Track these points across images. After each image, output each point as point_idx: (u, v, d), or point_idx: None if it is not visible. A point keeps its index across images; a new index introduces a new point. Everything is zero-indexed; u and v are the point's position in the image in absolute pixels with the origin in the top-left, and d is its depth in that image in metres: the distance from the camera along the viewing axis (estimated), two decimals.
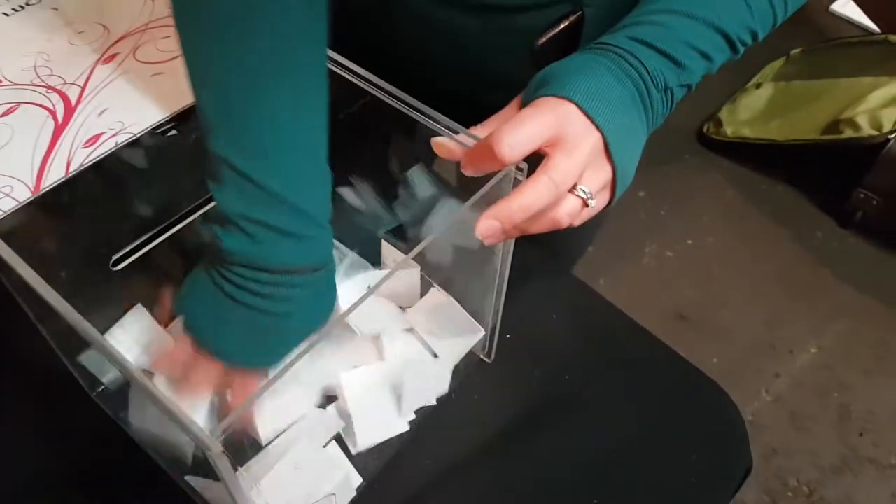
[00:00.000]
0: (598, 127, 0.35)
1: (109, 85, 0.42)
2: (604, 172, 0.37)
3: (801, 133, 1.72)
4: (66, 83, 0.43)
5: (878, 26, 2.09)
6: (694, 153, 1.84)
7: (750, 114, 1.86)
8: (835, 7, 2.24)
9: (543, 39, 0.48)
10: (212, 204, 0.49)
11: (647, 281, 1.55)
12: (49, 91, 0.42)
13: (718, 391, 0.54)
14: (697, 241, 1.65)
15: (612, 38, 0.39)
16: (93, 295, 0.47)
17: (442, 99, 0.56)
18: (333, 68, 0.43)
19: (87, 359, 0.49)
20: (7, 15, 0.51)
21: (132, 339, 0.45)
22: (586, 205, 0.37)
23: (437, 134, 0.42)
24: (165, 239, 0.48)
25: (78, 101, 0.41)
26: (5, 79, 0.44)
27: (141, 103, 0.41)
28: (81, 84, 0.42)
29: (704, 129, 1.88)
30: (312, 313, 0.39)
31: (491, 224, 0.35)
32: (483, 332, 0.50)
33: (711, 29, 0.39)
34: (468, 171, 0.38)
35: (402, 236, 0.55)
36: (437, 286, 0.51)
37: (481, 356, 0.54)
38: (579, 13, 0.47)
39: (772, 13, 0.41)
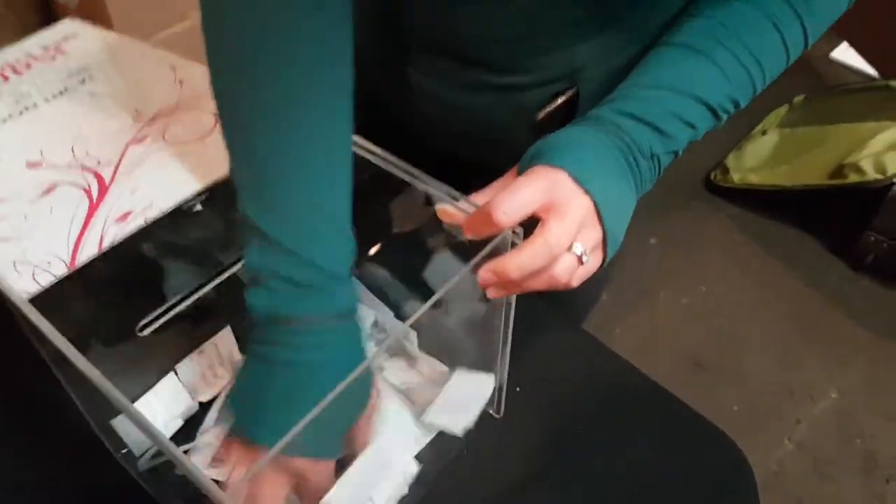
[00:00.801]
0: (587, 192, 0.38)
1: (141, 165, 0.46)
2: (595, 234, 0.39)
3: (808, 178, 1.74)
4: (100, 164, 0.46)
5: (879, 72, 2.13)
6: (702, 200, 1.86)
7: (756, 160, 1.89)
8: (835, 54, 2.28)
9: (542, 113, 0.52)
10: (233, 269, 0.53)
11: (661, 328, 1.56)
12: (85, 171, 0.46)
13: (728, 443, 0.55)
14: (710, 287, 1.66)
15: (600, 111, 0.42)
16: (121, 360, 0.50)
17: (449, 163, 0.59)
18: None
19: (114, 423, 0.51)
20: (47, 101, 0.55)
21: (163, 405, 0.48)
22: (581, 262, 0.39)
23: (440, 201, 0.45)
24: (188, 305, 0.51)
25: (111, 181, 0.45)
26: (46, 161, 0.48)
27: (169, 181, 0.44)
28: (115, 164, 0.46)
29: (712, 176, 1.91)
30: (339, 363, 0.40)
31: (488, 276, 0.39)
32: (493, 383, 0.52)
33: (694, 100, 0.43)
34: (469, 235, 0.41)
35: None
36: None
37: (490, 411, 0.55)
38: (575, 89, 0.51)
39: (750, 84, 0.44)
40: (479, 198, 0.42)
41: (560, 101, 0.52)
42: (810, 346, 1.53)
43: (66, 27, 0.68)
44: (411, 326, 0.58)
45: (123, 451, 0.52)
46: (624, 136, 0.41)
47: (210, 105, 0.52)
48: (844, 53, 2.25)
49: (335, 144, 0.40)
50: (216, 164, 0.46)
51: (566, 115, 0.54)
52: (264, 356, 0.39)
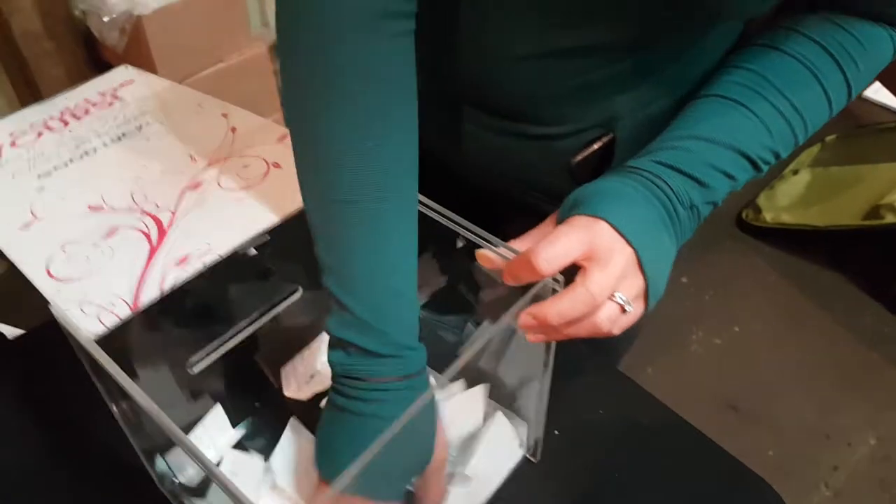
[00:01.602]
0: (629, 242, 0.39)
1: (197, 209, 0.48)
2: (638, 283, 0.40)
3: (842, 219, 1.73)
4: (158, 208, 0.48)
5: None
6: (734, 239, 1.85)
7: (788, 200, 1.88)
8: (868, 93, 2.27)
9: (579, 158, 0.53)
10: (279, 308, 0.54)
11: (695, 369, 1.54)
12: (144, 215, 0.48)
13: (765, 486, 0.55)
14: (744, 327, 1.64)
15: (639, 162, 0.44)
16: (173, 394, 0.52)
17: (485, 203, 0.61)
18: None
19: (167, 456, 0.53)
20: (106, 146, 0.58)
21: (210, 436, 0.49)
22: (624, 311, 0.40)
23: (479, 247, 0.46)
24: (237, 344, 0.53)
25: (169, 225, 0.47)
26: (106, 204, 0.50)
27: (225, 226, 0.46)
28: (173, 209, 0.48)
29: (743, 215, 1.90)
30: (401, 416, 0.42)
31: (528, 319, 0.40)
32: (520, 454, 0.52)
33: (733, 151, 0.44)
34: (509, 281, 0.42)
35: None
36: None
37: (527, 455, 0.56)
38: (611, 136, 0.52)
39: (792, 135, 0.45)
40: (519, 245, 0.43)
41: (596, 146, 0.54)
42: (847, 390, 1.50)
43: (122, 74, 0.71)
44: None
45: (175, 482, 0.53)
46: (663, 187, 0.42)
47: (263, 152, 0.55)
48: (878, 93, 2.24)
49: (407, 227, 0.43)
50: (269, 209, 0.48)
51: (602, 160, 0.55)
52: (341, 406, 0.42)
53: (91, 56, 1.71)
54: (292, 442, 0.51)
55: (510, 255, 0.43)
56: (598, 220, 0.40)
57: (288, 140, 0.55)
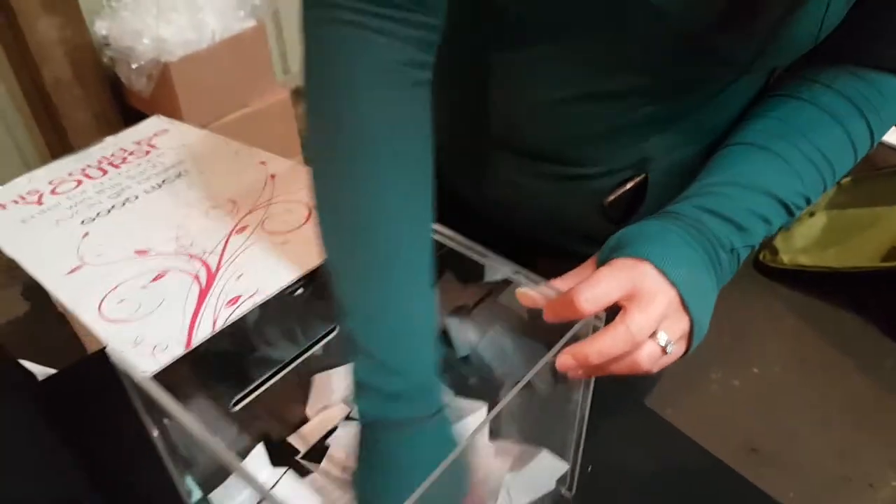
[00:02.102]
0: (672, 283, 0.40)
1: (244, 253, 0.50)
2: (682, 324, 0.41)
3: (860, 260, 1.73)
4: (206, 252, 0.50)
5: None
6: (751, 280, 1.86)
7: (805, 241, 1.89)
8: (883, 137, 2.30)
9: (612, 198, 0.55)
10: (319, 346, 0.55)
11: (714, 411, 1.53)
12: (192, 259, 0.50)
13: None
14: (763, 369, 1.63)
15: (679, 207, 0.45)
16: (215, 432, 0.53)
17: (523, 243, 0.62)
18: None
19: (213, 496, 0.54)
20: (147, 192, 0.60)
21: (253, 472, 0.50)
22: (665, 352, 0.41)
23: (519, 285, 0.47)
24: (276, 381, 0.54)
25: (217, 268, 0.48)
26: (152, 248, 0.52)
27: (272, 268, 0.48)
28: (219, 252, 0.50)
29: (761, 256, 1.90)
30: (428, 460, 0.42)
31: (567, 360, 0.41)
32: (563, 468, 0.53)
33: (768, 196, 0.45)
34: (550, 320, 0.43)
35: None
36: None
37: (563, 491, 0.56)
38: (644, 176, 0.54)
39: (821, 181, 0.47)
40: (561, 284, 0.45)
41: (629, 186, 0.55)
42: (867, 432, 1.49)
43: (155, 123, 0.74)
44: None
45: None
46: (705, 231, 0.43)
47: (302, 197, 0.57)
48: (892, 135, 2.26)
49: (423, 266, 0.44)
50: (313, 251, 0.50)
51: (634, 200, 0.57)
52: (370, 450, 0.43)
53: (117, 101, 1.76)
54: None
55: (551, 293, 0.44)
56: (641, 261, 0.41)
57: None
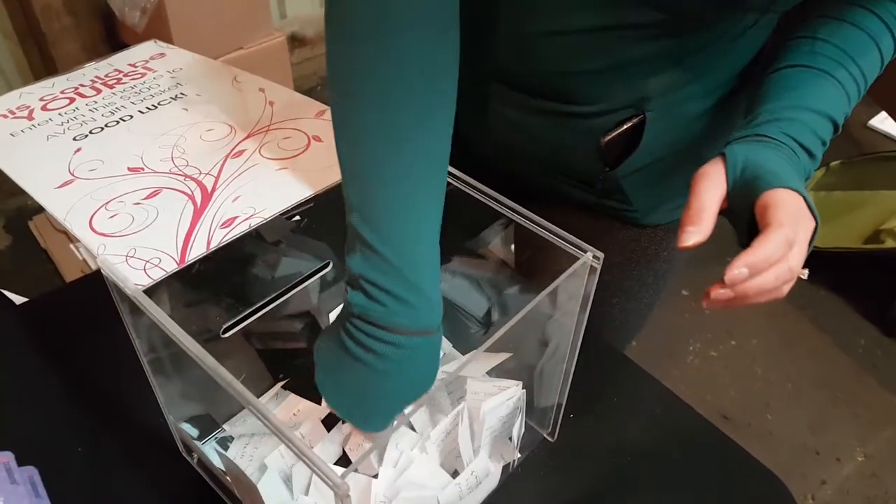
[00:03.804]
0: (815, 217, 0.43)
1: (240, 176, 0.49)
2: (810, 226, 0.44)
3: (843, 241, 1.75)
4: (201, 173, 0.49)
5: None
6: (735, 253, 1.87)
7: None
8: (873, 122, 2.31)
9: (609, 137, 0.55)
10: (308, 281, 0.55)
11: (691, 380, 1.56)
12: (187, 179, 0.49)
13: (776, 480, 0.56)
14: (740, 341, 1.66)
15: (771, 131, 0.46)
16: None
17: (519, 189, 0.62)
18: None
19: (190, 423, 0.54)
20: (142, 113, 0.59)
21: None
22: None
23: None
24: (266, 312, 0.54)
25: (213, 189, 0.48)
26: (147, 167, 0.51)
27: (269, 193, 0.47)
28: (215, 174, 0.49)
29: None
30: (414, 376, 0.43)
31: (740, 273, 0.40)
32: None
33: (828, 121, 0.47)
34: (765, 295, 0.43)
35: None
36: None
37: (545, 435, 0.57)
38: (641, 116, 0.54)
39: (857, 99, 0.49)
40: (750, 257, 0.42)
41: (626, 125, 0.55)
42: (838, 408, 1.52)
43: (151, 48, 0.72)
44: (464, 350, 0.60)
45: (196, 458, 0.54)
46: (797, 162, 0.45)
47: (301, 125, 0.56)
48: (883, 122, 2.27)
49: (437, 175, 0.44)
50: (311, 180, 0.49)
51: (631, 141, 0.57)
52: (350, 350, 0.43)
53: (109, 34, 1.72)
54: None
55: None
56: (798, 195, 0.42)
57: (327, 115, 0.57)
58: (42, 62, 1.71)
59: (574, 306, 0.48)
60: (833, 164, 2.06)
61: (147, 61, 0.69)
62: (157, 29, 1.58)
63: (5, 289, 1.20)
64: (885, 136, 2.29)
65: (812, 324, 1.71)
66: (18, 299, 1.05)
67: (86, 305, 0.67)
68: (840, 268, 1.79)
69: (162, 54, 0.71)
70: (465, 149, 0.59)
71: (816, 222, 0.43)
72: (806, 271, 0.48)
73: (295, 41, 2.28)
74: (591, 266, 0.43)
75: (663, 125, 0.55)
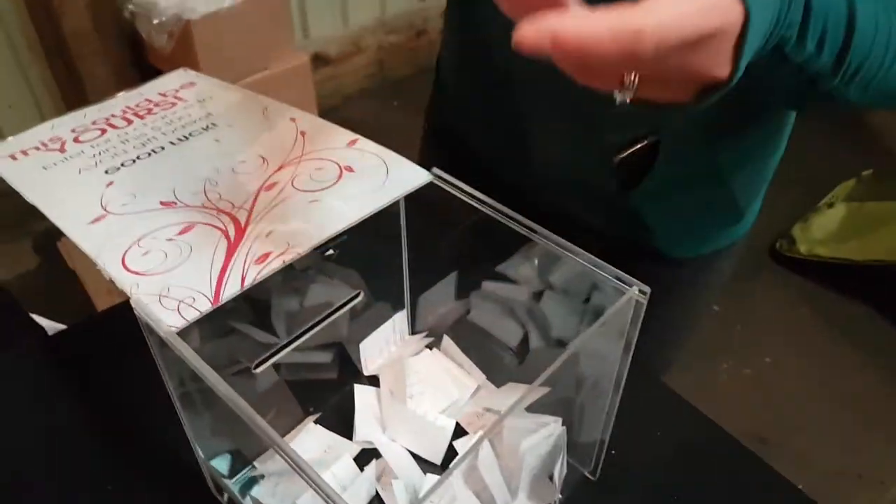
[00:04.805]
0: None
1: (273, 209, 0.48)
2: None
3: (878, 254, 1.71)
4: (234, 207, 0.49)
5: None
6: (768, 269, 1.84)
7: (823, 233, 1.86)
8: None
9: (622, 156, 0.54)
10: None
11: (724, 398, 1.52)
12: (220, 213, 0.48)
13: None
14: (775, 359, 1.62)
15: None
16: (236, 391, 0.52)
17: (531, 208, 0.61)
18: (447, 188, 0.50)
19: (221, 459, 0.53)
20: (174, 144, 0.58)
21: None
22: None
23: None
24: (298, 346, 0.53)
25: (246, 223, 0.47)
26: (179, 201, 0.50)
27: (302, 227, 0.46)
28: (248, 208, 0.48)
29: (777, 245, 1.88)
30: None
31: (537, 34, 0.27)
32: None
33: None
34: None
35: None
36: None
37: (586, 473, 0.55)
38: (656, 137, 0.53)
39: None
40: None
41: (639, 145, 0.54)
42: (878, 428, 1.48)
43: (181, 76, 0.72)
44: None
45: (230, 479, 0.53)
46: None
47: (334, 156, 0.55)
48: None
49: None
50: (345, 211, 0.48)
51: (645, 162, 0.55)
52: None
53: (136, 57, 1.74)
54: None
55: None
56: None
57: (358, 145, 0.56)
58: (70, 83, 1.73)
59: (615, 340, 0.47)
60: (864, 173, 2.02)
61: (177, 90, 0.68)
62: (184, 51, 1.60)
63: (34, 311, 1.21)
64: None
65: (848, 341, 1.67)
66: (48, 324, 1.06)
67: (117, 336, 0.67)
68: (874, 282, 1.75)
69: (192, 83, 0.70)
70: (472, 165, 0.58)
71: (747, 10, 0.30)
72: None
73: (318, 60, 2.30)
74: (637, 301, 0.41)
75: (678, 144, 0.54)
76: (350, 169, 0.53)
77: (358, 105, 2.42)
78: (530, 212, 0.61)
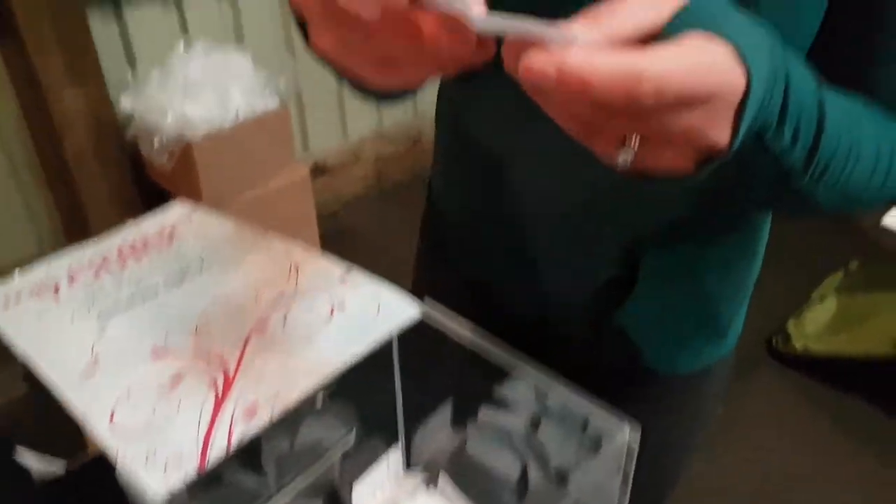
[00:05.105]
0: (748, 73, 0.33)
1: (264, 355, 0.48)
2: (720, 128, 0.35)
3: (873, 347, 1.71)
4: (224, 354, 0.49)
5: None
6: (767, 366, 1.83)
7: (817, 327, 1.87)
8: (886, 221, 2.30)
9: (602, 281, 0.58)
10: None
11: (727, 498, 1.48)
12: (210, 362, 0.48)
13: None
14: (779, 458, 1.59)
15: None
16: None
17: (526, 326, 0.62)
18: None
19: None
20: (167, 286, 0.59)
21: None
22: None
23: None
24: (288, 490, 0.52)
25: (236, 371, 0.47)
26: (170, 349, 0.51)
27: (292, 374, 0.46)
28: (238, 354, 0.49)
29: (774, 342, 1.88)
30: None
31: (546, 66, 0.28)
32: None
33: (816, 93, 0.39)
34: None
35: None
36: None
37: None
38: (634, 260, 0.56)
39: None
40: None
41: (619, 270, 0.57)
42: None
43: (179, 211, 0.74)
44: None
45: None
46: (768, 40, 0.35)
47: (326, 292, 0.56)
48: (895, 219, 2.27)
49: None
50: (334, 353, 0.48)
51: (624, 290, 0.58)
52: None
53: (136, 175, 1.79)
54: None
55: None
56: (722, 42, 0.31)
57: (350, 281, 0.57)
58: (70, 205, 1.77)
59: (613, 474, 0.46)
60: (851, 265, 2.04)
61: (174, 226, 0.70)
62: (185, 169, 1.64)
63: (21, 441, 1.17)
64: None
65: (852, 440, 1.64)
66: (36, 463, 1.03)
67: (106, 482, 0.65)
68: (872, 375, 1.74)
69: (188, 217, 0.72)
70: (485, 296, 0.59)
71: (750, 76, 0.31)
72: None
73: (317, 170, 2.36)
74: (630, 438, 0.41)
75: (660, 261, 0.56)
76: (342, 306, 0.54)
77: (356, 211, 2.47)
78: (524, 331, 0.62)
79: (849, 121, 0.42)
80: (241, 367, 0.48)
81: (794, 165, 0.40)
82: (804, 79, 0.38)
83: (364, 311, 0.52)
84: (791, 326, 1.88)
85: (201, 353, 0.50)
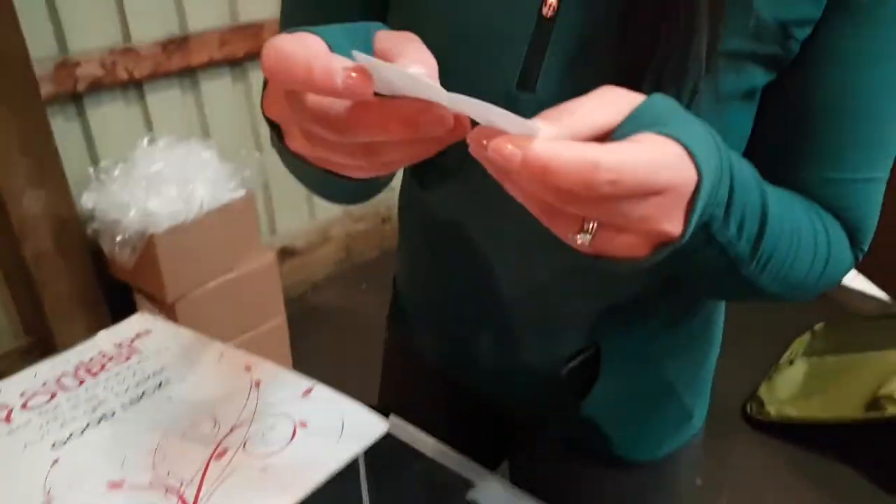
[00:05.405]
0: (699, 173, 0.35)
1: (223, 483, 0.47)
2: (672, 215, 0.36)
3: (845, 411, 1.72)
4: (183, 483, 0.48)
5: (892, 296, 2.19)
6: (742, 432, 1.82)
7: (789, 392, 1.88)
8: (846, 280, 2.36)
9: (570, 365, 0.59)
10: None
11: None
12: (168, 493, 0.47)
13: None
14: None
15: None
16: None
17: (497, 417, 0.62)
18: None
19: None
20: (125, 407, 0.58)
21: None
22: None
23: None
24: None
25: (195, 502, 0.46)
26: (127, 479, 0.49)
27: (253, 499, 0.45)
28: (197, 483, 0.47)
29: (747, 408, 1.88)
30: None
31: (509, 149, 0.30)
32: None
33: (760, 197, 0.42)
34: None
35: None
36: None
37: None
38: (595, 347, 0.58)
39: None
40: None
41: (580, 358, 0.58)
42: None
43: (139, 323, 0.73)
44: None
45: None
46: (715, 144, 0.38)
47: (288, 410, 0.55)
48: (853, 280, 2.33)
49: None
50: (296, 479, 0.47)
51: (592, 369, 0.59)
52: None
53: (98, 272, 1.76)
54: None
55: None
56: (672, 141, 0.33)
57: (313, 394, 0.56)
58: (31, 304, 1.73)
59: None
60: (817, 327, 2.07)
61: (132, 340, 0.69)
62: (147, 263, 1.63)
63: None
64: (863, 295, 2.33)
65: (830, 501, 1.63)
66: None
67: None
68: (848, 438, 1.74)
69: (148, 331, 0.71)
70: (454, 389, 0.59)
71: (700, 174, 0.33)
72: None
73: (285, 252, 2.35)
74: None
75: (620, 352, 0.57)
76: (304, 424, 0.53)
77: (326, 291, 2.45)
78: (495, 420, 0.62)
79: (790, 214, 0.45)
80: (199, 497, 0.46)
81: (739, 255, 0.42)
82: (747, 176, 0.41)
83: (328, 429, 0.52)
84: (763, 391, 1.89)
85: (158, 483, 0.48)
